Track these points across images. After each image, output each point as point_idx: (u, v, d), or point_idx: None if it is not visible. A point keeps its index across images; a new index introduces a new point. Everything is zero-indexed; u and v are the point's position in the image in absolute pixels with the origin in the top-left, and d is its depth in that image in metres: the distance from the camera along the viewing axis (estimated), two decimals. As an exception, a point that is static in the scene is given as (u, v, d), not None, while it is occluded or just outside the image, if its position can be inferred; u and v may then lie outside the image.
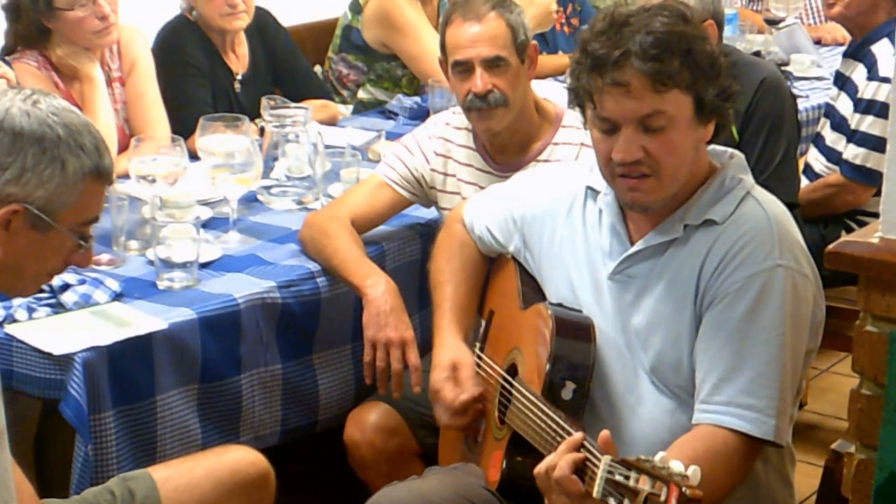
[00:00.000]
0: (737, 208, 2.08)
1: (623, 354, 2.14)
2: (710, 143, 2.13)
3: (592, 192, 2.21)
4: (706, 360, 2.04)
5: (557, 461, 1.89)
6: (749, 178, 2.14)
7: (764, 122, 3.23)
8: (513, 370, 2.26)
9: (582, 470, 1.87)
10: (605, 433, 1.88)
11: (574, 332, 2.14)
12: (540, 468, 1.93)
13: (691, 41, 2.03)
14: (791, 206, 3.27)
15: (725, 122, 2.11)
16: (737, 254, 2.04)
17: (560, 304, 2.21)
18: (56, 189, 1.83)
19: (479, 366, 2.37)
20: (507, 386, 2.23)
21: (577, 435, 1.90)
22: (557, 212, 2.26)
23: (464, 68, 2.71)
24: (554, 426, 2.01)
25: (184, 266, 2.60)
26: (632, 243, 2.14)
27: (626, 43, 2.00)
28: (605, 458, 1.80)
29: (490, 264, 2.46)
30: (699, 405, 2.05)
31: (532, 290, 2.30)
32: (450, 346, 2.36)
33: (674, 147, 2.03)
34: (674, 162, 2.03)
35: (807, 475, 2.50)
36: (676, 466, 1.72)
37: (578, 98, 2.08)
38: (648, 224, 2.12)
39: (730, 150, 2.18)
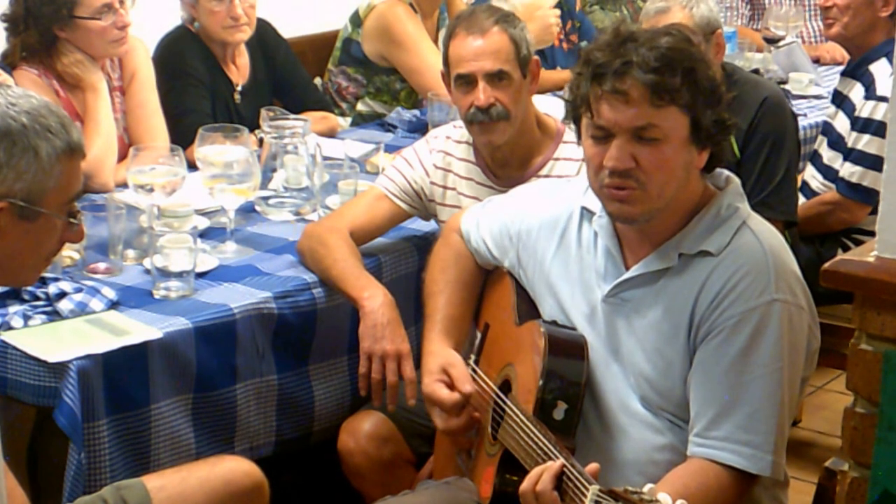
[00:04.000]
0: (732, 239, 2.07)
1: (615, 376, 2.14)
2: (708, 171, 2.11)
3: (588, 212, 2.20)
4: (702, 394, 2.04)
5: (538, 478, 1.91)
6: (745, 206, 2.13)
7: (765, 140, 3.24)
8: (506, 386, 2.26)
9: (570, 498, 1.88)
10: (593, 466, 1.89)
11: (566, 350, 2.14)
12: (525, 487, 1.95)
13: (695, 62, 2.04)
14: (790, 225, 3.30)
15: (721, 156, 2.10)
16: (733, 288, 2.04)
17: (554, 322, 2.21)
18: (35, 177, 1.84)
19: (473, 379, 2.37)
20: (500, 402, 2.23)
21: (557, 462, 1.92)
22: (552, 231, 2.25)
23: (466, 81, 2.72)
24: (543, 448, 2.01)
25: (180, 275, 2.60)
26: (626, 267, 2.14)
27: (629, 54, 2.01)
28: (593, 489, 1.81)
29: (487, 275, 2.46)
30: (694, 438, 2.04)
31: (527, 306, 2.30)
32: (438, 353, 2.35)
33: (665, 161, 2.02)
34: (662, 177, 2.03)
35: (800, 492, 2.50)
36: (664, 499, 1.73)
37: (575, 109, 2.08)
38: (644, 249, 2.12)
39: (726, 172, 2.17)
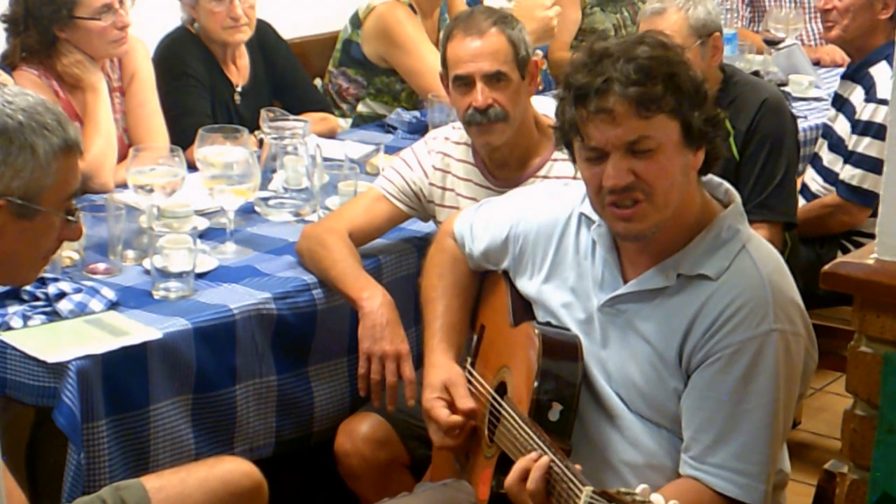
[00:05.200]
0: (731, 264, 2.06)
1: (610, 382, 2.14)
2: (704, 173, 2.11)
3: (587, 220, 2.19)
4: (698, 420, 2.04)
5: (524, 474, 1.93)
6: (745, 228, 2.11)
7: (765, 141, 3.25)
8: (502, 388, 2.26)
9: (564, 500, 1.88)
10: (576, 467, 1.89)
11: (561, 351, 2.13)
12: (510, 481, 1.97)
13: (674, 66, 2.02)
14: (790, 226, 3.30)
15: (717, 153, 2.09)
16: (731, 316, 2.03)
17: (548, 323, 2.21)
18: (32, 175, 1.83)
19: (469, 382, 2.37)
20: (496, 405, 2.23)
21: (545, 458, 1.93)
22: (549, 236, 2.25)
23: (465, 83, 2.72)
24: (538, 450, 2.01)
25: (180, 276, 2.60)
26: (624, 278, 2.13)
27: (607, 71, 1.99)
28: (587, 490, 1.81)
29: (483, 278, 2.46)
30: (688, 460, 2.04)
31: (523, 308, 2.29)
32: (441, 366, 2.35)
33: (663, 169, 2.01)
34: (664, 184, 2.02)
35: (799, 494, 2.50)
36: (657, 500, 1.73)
37: (565, 134, 2.07)
38: (642, 262, 2.11)
39: (725, 184, 2.16)
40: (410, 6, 3.94)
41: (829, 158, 3.70)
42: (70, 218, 1.91)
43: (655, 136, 2.00)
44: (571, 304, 2.19)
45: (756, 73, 4.02)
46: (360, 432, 2.65)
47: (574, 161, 2.11)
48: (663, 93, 1.99)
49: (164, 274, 2.60)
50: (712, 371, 2.03)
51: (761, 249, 2.10)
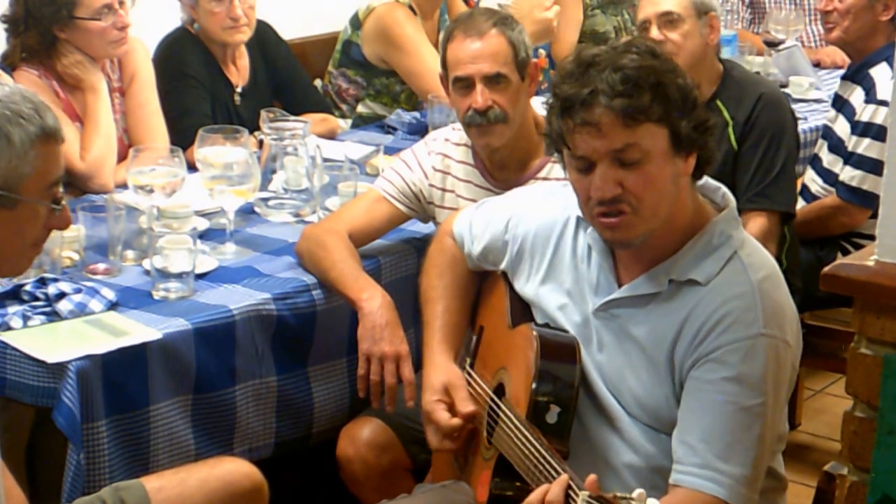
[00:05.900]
0: (722, 270, 2.05)
1: (607, 386, 2.14)
2: (698, 176, 2.10)
3: (584, 223, 2.19)
4: (684, 421, 2.04)
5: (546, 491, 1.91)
6: (738, 234, 2.10)
7: (764, 133, 3.25)
8: (501, 390, 2.26)
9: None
10: (592, 478, 1.89)
11: (559, 353, 2.13)
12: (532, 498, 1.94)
13: (661, 75, 2.00)
14: (788, 217, 3.31)
15: (709, 157, 2.08)
16: (719, 321, 2.02)
17: (546, 325, 2.21)
18: (9, 164, 1.82)
19: (468, 383, 2.37)
20: (495, 407, 2.23)
21: (564, 476, 1.92)
22: (547, 238, 2.24)
23: (464, 84, 2.72)
24: (536, 454, 2.01)
25: (180, 276, 2.60)
26: (619, 283, 2.13)
27: (593, 82, 1.98)
28: (583, 494, 1.82)
29: (482, 279, 2.46)
30: (675, 465, 2.04)
31: (521, 309, 2.29)
32: (441, 367, 2.35)
33: (651, 181, 2.00)
34: (652, 197, 2.01)
35: (799, 496, 2.50)
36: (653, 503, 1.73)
37: (554, 142, 2.07)
38: (636, 267, 2.11)
39: (723, 188, 2.16)
40: (410, 7, 3.94)
41: (828, 159, 3.70)
42: (55, 206, 1.89)
43: (642, 144, 1.98)
44: (568, 307, 2.19)
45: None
46: (361, 437, 2.64)
47: (565, 168, 2.11)
48: (650, 102, 1.98)
49: (164, 274, 2.60)
50: (700, 373, 2.03)
51: (754, 256, 2.09)
